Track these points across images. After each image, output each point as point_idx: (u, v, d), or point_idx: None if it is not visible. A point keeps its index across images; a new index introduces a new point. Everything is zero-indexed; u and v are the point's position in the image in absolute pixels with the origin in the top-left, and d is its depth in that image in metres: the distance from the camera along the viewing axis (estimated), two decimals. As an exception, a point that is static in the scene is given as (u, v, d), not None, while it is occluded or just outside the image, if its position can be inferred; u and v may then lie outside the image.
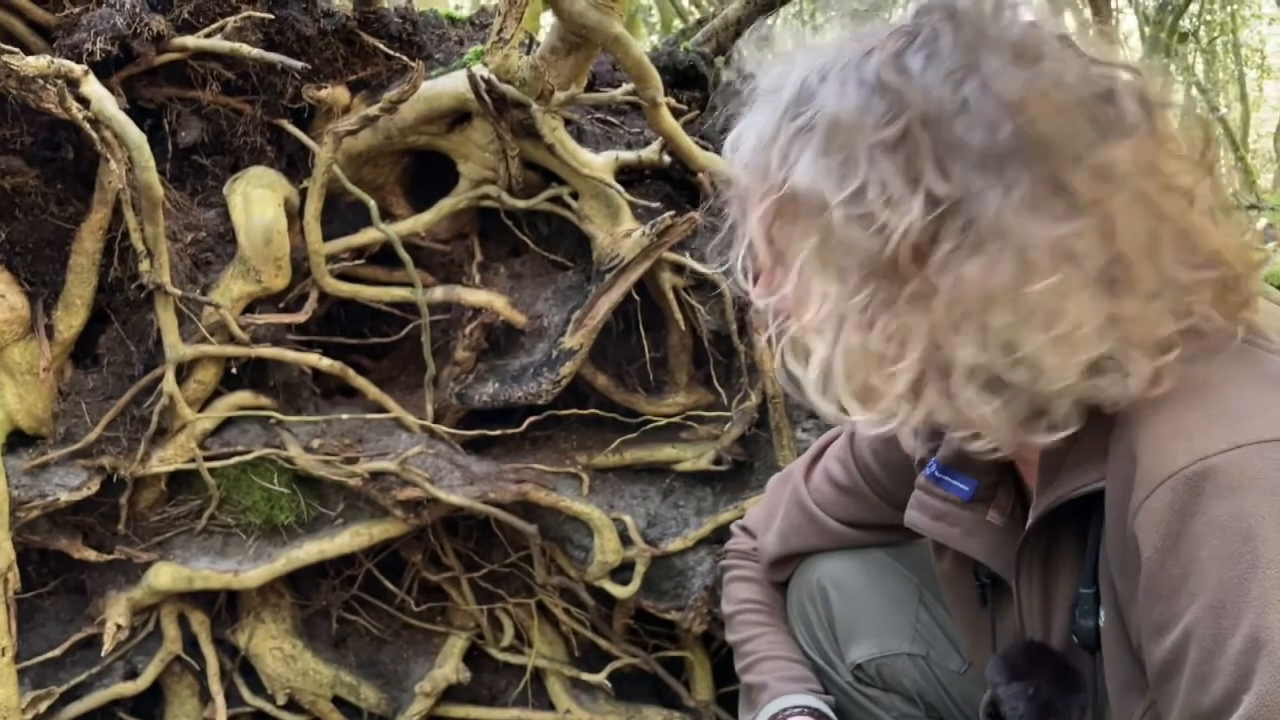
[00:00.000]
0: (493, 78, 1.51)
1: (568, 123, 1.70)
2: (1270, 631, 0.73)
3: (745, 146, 0.90)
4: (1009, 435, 0.86)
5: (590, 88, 1.78)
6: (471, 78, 1.54)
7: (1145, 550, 0.80)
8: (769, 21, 0.97)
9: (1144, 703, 0.87)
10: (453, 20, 1.90)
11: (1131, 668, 0.88)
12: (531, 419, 1.80)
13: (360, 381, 1.73)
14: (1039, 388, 0.82)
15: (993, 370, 0.82)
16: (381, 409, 1.75)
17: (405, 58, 1.69)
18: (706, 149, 1.70)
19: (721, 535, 1.88)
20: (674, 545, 1.87)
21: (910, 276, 0.82)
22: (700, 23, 1.92)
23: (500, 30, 1.47)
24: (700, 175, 1.70)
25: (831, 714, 1.32)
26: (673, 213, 1.64)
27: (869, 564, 1.37)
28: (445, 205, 1.71)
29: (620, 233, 1.67)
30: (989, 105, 0.80)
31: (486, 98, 1.55)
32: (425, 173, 1.81)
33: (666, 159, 1.71)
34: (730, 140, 0.93)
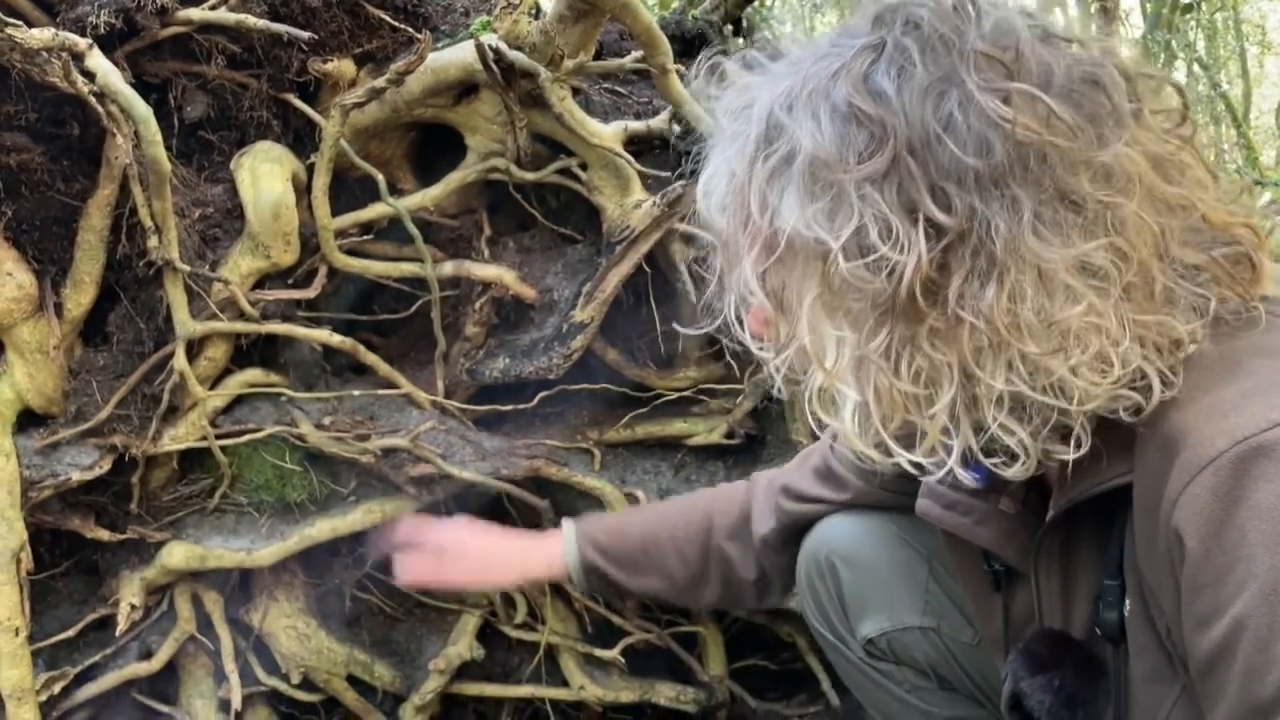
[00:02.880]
0: (502, 46, 1.50)
1: (576, 93, 1.69)
2: None
3: (718, 190, 0.86)
4: (1037, 456, 0.83)
5: (598, 57, 1.77)
6: (480, 47, 1.53)
7: (1189, 540, 0.77)
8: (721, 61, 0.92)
9: (1173, 693, 0.86)
10: (458, -9, 1.89)
11: (1158, 658, 0.87)
12: (542, 394, 1.79)
13: (371, 358, 1.72)
14: (1069, 407, 0.80)
15: (1023, 396, 0.79)
16: (392, 385, 1.74)
17: (411, 29, 1.67)
18: (716, 118, 1.68)
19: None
20: (687, 519, 1.86)
21: (927, 312, 0.78)
22: (707, -9, 1.91)
23: (509, -3, 1.45)
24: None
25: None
26: (683, 182, 1.63)
27: (878, 536, 1.36)
28: (453, 179, 1.70)
29: (630, 204, 1.66)
30: (975, 121, 0.75)
31: (495, 67, 1.53)
32: (432, 147, 1.80)
33: (676, 128, 1.69)
34: (702, 184, 0.88)
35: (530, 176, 1.69)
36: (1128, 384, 0.79)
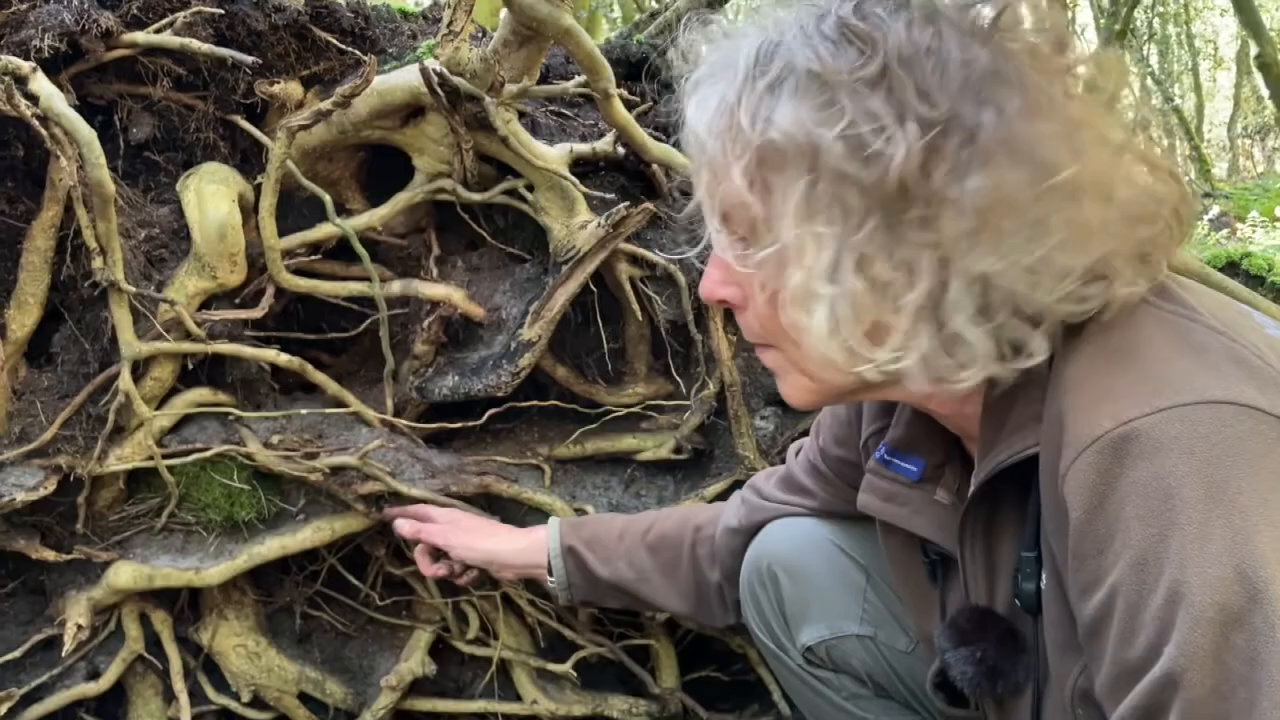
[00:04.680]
0: (445, 70, 1.52)
1: (521, 115, 1.71)
2: (1188, 586, 0.76)
3: (706, 115, 0.90)
4: (982, 369, 0.88)
5: (544, 80, 1.79)
6: (424, 71, 1.55)
7: (1073, 512, 0.82)
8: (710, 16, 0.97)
9: (1079, 663, 0.91)
10: (405, 14, 1.90)
11: (1069, 629, 0.91)
12: (492, 411, 1.81)
13: (319, 377, 1.73)
14: (1034, 299, 0.84)
15: (992, 286, 0.83)
16: (341, 404, 1.75)
17: (358, 52, 1.69)
18: (660, 140, 1.71)
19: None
20: (636, 535, 1.89)
21: (914, 200, 0.82)
22: (653, 15, 1.94)
23: (450, 23, 1.47)
24: (654, 167, 1.72)
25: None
26: (627, 204, 1.66)
27: (817, 546, 1.41)
28: (401, 199, 1.71)
29: (576, 224, 1.68)
30: (960, 40, 0.83)
31: (439, 91, 1.55)
32: (381, 167, 1.81)
33: (620, 151, 1.72)
34: (690, 110, 0.92)
35: (477, 197, 1.71)
36: (1096, 279, 0.85)
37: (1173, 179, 0.90)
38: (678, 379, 1.88)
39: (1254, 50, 6.04)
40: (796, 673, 1.44)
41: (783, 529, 1.45)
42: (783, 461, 1.99)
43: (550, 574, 1.60)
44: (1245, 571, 0.74)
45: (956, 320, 0.85)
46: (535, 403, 1.84)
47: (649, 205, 1.65)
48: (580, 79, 1.67)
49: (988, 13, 0.85)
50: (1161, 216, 0.88)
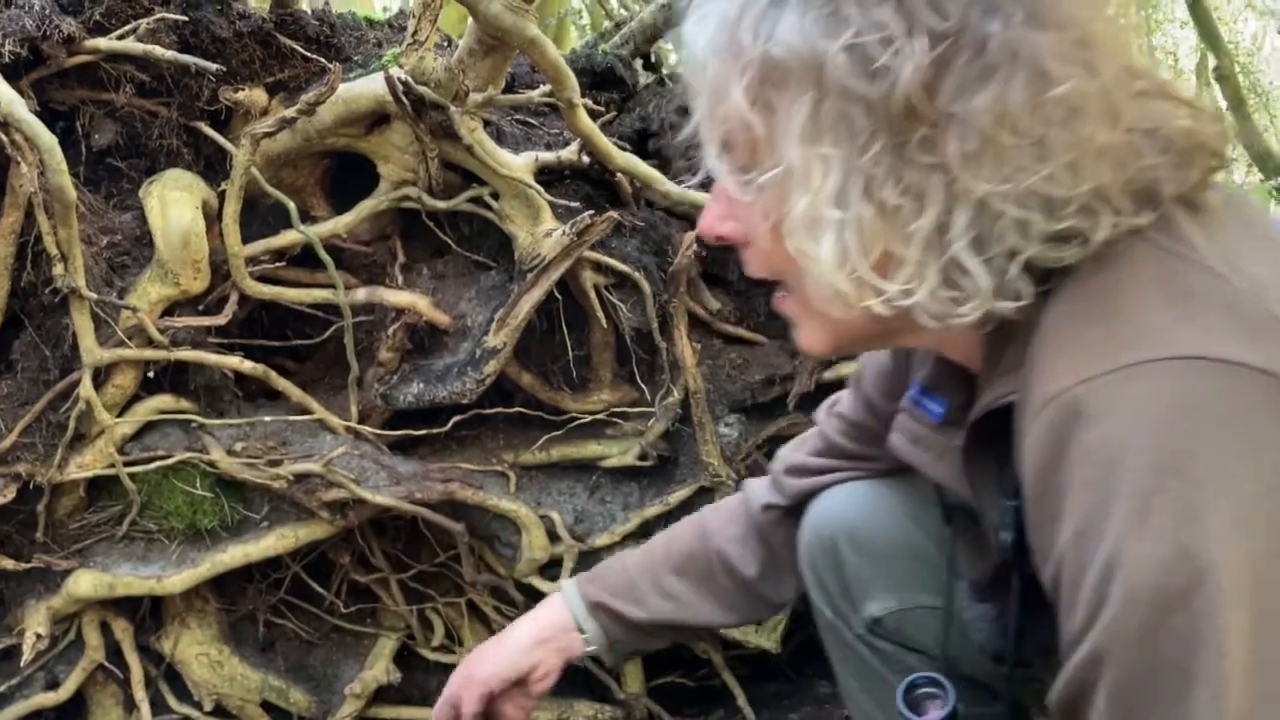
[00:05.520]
0: (410, 80, 1.52)
1: (487, 124, 1.72)
2: (1124, 561, 0.71)
3: (706, 33, 0.86)
4: (982, 304, 0.82)
5: (510, 89, 1.80)
6: (389, 80, 1.55)
7: (1028, 476, 0.79)
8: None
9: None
10: (371, 22, 1.91)
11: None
12: (457, 418, 1.81)
13: (283, 384, 1.73)
14: (1030, 230, 0.79)
15: (994, 210, 0.79)
16: (305, 411, 1.75)
17: (323, 60, 1.69)
18: (624, 149, 1.73)
19: (648, 529, 1.92)
20: (601, 540, 1.90)
21: (921, 119, 0.78)
22: (618, 25, 1.96)
23: (415, 33, 1.48)
24: (619, 175, 1.73)
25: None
26: (592, 212, 1.67)
27: (883, 514, 1.31)
28: (365, 206, 1.72)
29: (541, 232, 1.70)
30: None
31: (404, 100, 1.56)
32: (346, 174, 1.82)
33: (585, 159, 1.73)
34: (687, 33, 0.88)
35: (442, 205, 1.71)
36: (1084, 211, 0.79)
37: (1190, 107, 0.84)
38: (642, 386, 1.89)
39: (1212, 63, 6.15)
40: (853, 645, 1.35)
41: (845, 496, 1.34)
42: (748, 468, 2.01)
43: (587, 641, 1.40)
44: (1189, 550, 0.69)
45: (959, 250, 0.80)
46: (501, 410, 1.84)
47: (613, 214, 1.66)
48: (545, 88, 1.68)
49: None
50: (1175, 145, 0.82)
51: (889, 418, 1.18)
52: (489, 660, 1.39)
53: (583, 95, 1.71)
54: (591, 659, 1.44)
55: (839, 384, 1.98)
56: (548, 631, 1.39)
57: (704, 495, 1.91)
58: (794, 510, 1.36)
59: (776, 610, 1.49)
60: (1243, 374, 0.72)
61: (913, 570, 1.28)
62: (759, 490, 1.41)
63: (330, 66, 1.61)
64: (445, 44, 1.71)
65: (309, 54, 1.69)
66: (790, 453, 1.41)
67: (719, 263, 1.96)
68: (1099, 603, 0.72)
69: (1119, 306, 0.79)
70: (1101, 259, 0.81)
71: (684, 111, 1.62)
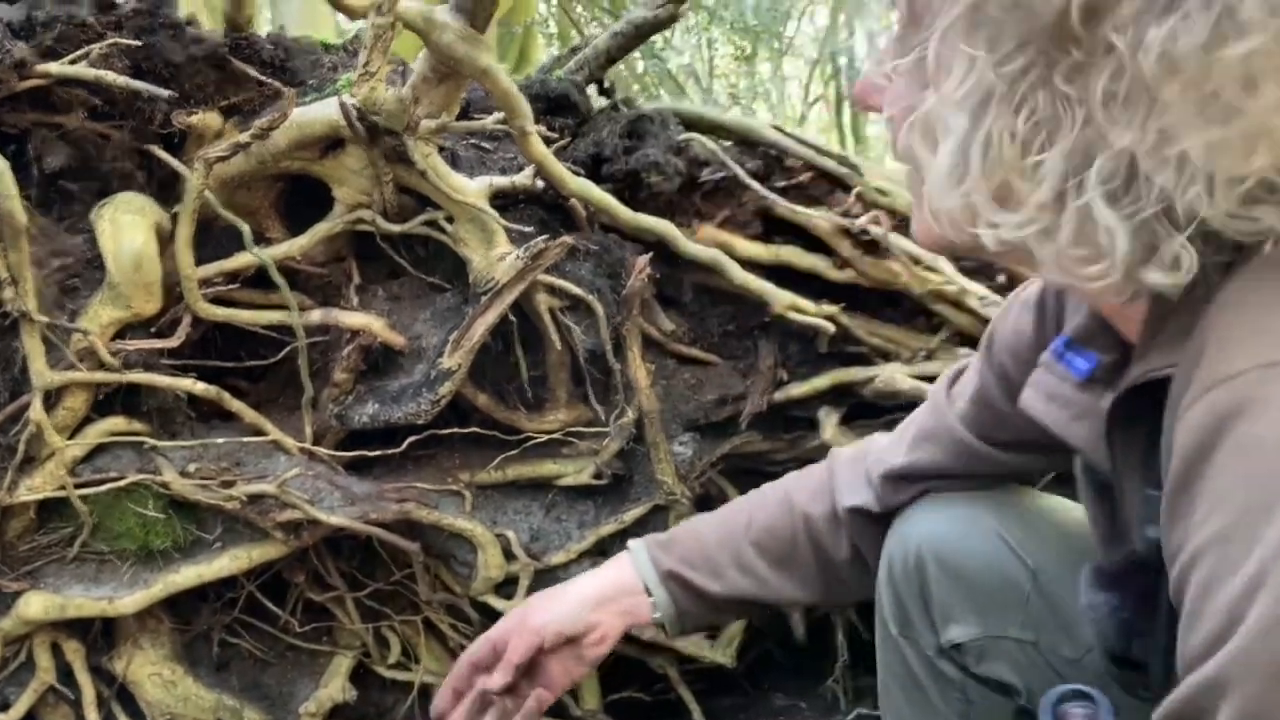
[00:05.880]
0: (362, 108, 1.54)
1: (442, 149, 1.74)
2: (1274, 576, 0.60)
3: None
4: (1121, 270, 0.73)
5: (465, 113, 1.82)
6: (343, 106, 1.57)
7: (1175, 459, 0.69)
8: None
9: None
10: (326, 46, 1.92)
11: None
12: (412, 439, 1.83)
13: (236, 405, 1.73)
14: (1188, 201, 0.69)
15: (1137, 167, 0.69)
16: (259, 432, 1.76)
17: (278, 84, 1.70)
18: (578, 175, 1.75)
19: (604, 548, 1.94)
20: (557, 559, 1.92)
21: (1077, 43, 0.69)
22: (574, 50, 1.98)
23: (367, 64, 1.50)
24: (573, 200, 1.75)
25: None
26: (546, 237, 1.69)
27: (978, 536, 1.24)
28: (320, 229, 1.73)
29: (495, 256, 1.71)
30: None
31: (358, 125, 1.58)
32: (301, 197, 1.82)
33: (539, 184, 1.76)
34: None
35: (397, 228, 1.73)
36: (1261, 201, 0.69)
37: None
38: (598, 406, 1.91)
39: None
40: (915, 667, 1.27)
41: (940, 511, 1.25)
42: (702, 486, 2.04)
43: (655, 607, 1.34)
44: None
45: (1094, 200, 0.71)
46: (456, 430, 1.86)
47: (566, 239, 1.68)
48: (499, 115, 1.70)
49: None
50: None
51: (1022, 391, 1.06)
52: (547, 610, 1.31)
53: (537, 121, 1.74)
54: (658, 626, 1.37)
55: (791, 403, 2.03)
56: (614, 591, 1.33)
57: (659, 513, 1.93)
58: (884, 516, 1.28)
59: (854, 597, 1.42)
60: None
61: (1004, 600, 1.21)
62: (848, 486, 1.32)
63: (285, 91, 1.62)
64: (400, 70, 1.72)
65: (264, 78, 1.70)
66: (891, 448, 1.30)
67: (673, 284, 1.99)
68: (1232, 622, 0.62)
69: None
70: None
71: (635, 135, 1.64)
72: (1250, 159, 0.67)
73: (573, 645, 1.32)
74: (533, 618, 1.31)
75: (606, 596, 1.32)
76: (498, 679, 1.31)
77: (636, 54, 8.82)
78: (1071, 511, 1.27)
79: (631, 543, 1.40)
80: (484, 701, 1.35)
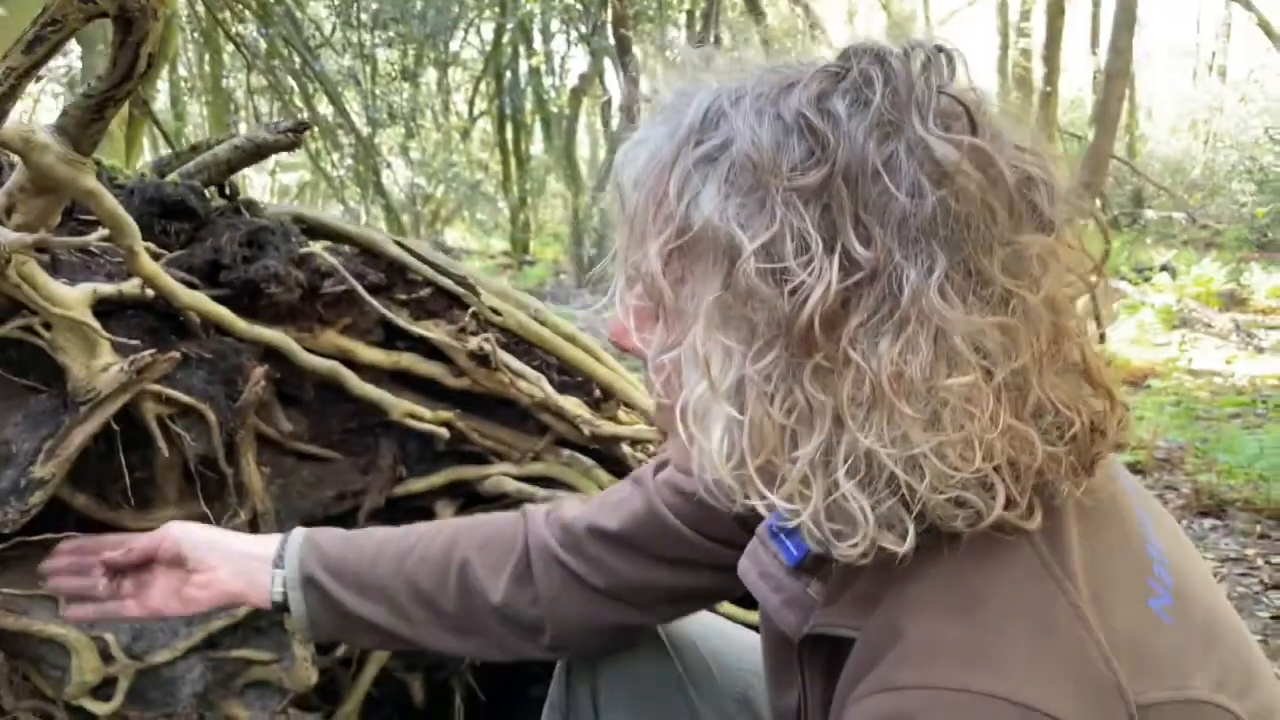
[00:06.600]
0: (-56, 228, 1.46)
1: (43, 251, 1.68)
2: None
3: (637, 162, 0.82)
4: (868, 542, 0.79)
5: (70, 213, 1.76)
6: (-79, 215, 1.48)
7: None
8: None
9: None
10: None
11: None
12: (-1, 547, 1.74)
13: None
14: (918, 489, 0.76)
15: (879, 462, 0.76)
16: None
17: None
18: (195, 286, 1.76)
19: (213, 640, 1.95)
20: (162, 656, 1.91)
21: (820, 347, 0.74)
22: (194, 149, 1.96)
23: (-54, 190, 1.43)
24: (188, 312, 1.76)
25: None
26: (154, 350, 1.68)
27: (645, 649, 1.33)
28: (-107, 332, 1.61)
29: (98, 366, 1.68)
30: (915, 170, 0.73)
31: (-60, 236, 1.49)
32: None
33: (149, 293, 1.74)
34: (622, 152, 0.84)
35: (-13, 332, 1.64)
36: (977, 485, 0.76)
37: (1109, 398, 0.81)
38: (210, 504, 1.92)
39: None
40: None
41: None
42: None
43: (285, 606, 1.31)
44: None
45: (847, 488, 0.77)
46: (49, 535, 1.79)
47: (174, 354, 1.68)
48: (105, 231, 1.67)
49: (949, 153, 0.74)
50: (1078, 433, 0.78)
51: (743, 517, 1.08)
52: (192, 531, 1.39)
53: (153, 225, 1.72)
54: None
55: (410, 497, 2.15)
56: (254, 559, 1.36)
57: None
58: (583, 579, 1.28)
59: (527, 655, 1.36)
60: None
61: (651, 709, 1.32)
62: (544, 530, 1.32)
63: None
64: (6, 167, 1.64)
65: None
66: (598, 512, 1.31)
67: (295, 381, 2.03)
68: None
69: (985, 618, 0.76)
70: (986, 544, 0.78)
71: (255, 245, 1.65)
72: (975, 461, 0.75)
73: (183, 577, 1.38)
74: (176, 528, 1.39)
75: (245, 556, 1.36)
76: (110, 552, 1.43)
77: (293, 56, 8.48)
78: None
79: (300, 531, 1.41)
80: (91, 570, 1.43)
